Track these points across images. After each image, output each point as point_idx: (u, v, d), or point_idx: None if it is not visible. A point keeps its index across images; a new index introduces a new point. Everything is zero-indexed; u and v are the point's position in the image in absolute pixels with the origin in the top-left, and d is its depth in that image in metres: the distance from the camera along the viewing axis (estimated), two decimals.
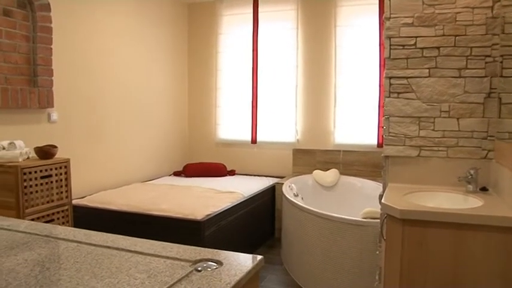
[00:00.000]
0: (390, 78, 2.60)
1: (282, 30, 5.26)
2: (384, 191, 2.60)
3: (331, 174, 4.82)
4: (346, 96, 5.00)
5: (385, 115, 2.65)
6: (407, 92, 2.57)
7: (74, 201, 3.60)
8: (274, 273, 3.81)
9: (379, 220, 2.59)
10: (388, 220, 2.15)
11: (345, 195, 4.64)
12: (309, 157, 5.18)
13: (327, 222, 3.22)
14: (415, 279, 2.06)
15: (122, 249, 1.37)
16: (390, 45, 2.59)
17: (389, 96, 2.61)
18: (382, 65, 4.69)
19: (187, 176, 5.21)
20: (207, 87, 5.73)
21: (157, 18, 5.19)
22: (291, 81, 5.24)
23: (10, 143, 3.04)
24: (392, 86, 2.60)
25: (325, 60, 5.08)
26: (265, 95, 5.39)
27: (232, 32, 5.51)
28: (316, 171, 4.91)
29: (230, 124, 5.61)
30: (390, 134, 2.62)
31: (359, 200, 4.35)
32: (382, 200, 2.21)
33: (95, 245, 1.42)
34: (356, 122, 4.96)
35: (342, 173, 4.91)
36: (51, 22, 3.61)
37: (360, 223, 3.06)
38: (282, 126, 5.34)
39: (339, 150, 5.02)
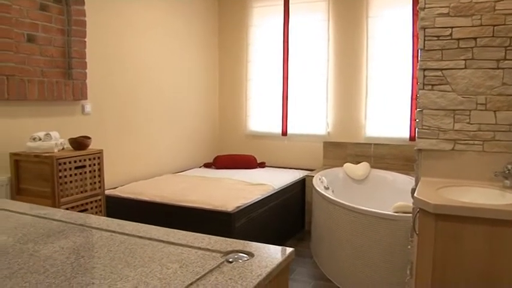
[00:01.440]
0: (424, 70, 2.54)
1: (313, 21, 5.21)
2: (416, 185, 2.55)
3: (362, 168, 4.77)
4: (377, 89, 4.92)
5: (418, 108, 2.59)
6: (441, 84, 2.51)
7: (107, 192, 3.67)
8: (303, 266, 3.80)
9: (411, 214, 2.55)
10: (420, 214, 2.12)
11: (376, 189, 4.59)
12: (339, 150, 5.13)
13: (358, 216, 3.19)
14: (448, 275, 2.02)
15: (155, 240, 1.39)
16: (425, 36, 2.53)
17: (423, 89, 2.56)
18: (416, 57, 4.59)
19: (217, 167, 5.25)
20: (238, 79, 5.74)
21: (189, 11, 5.21)
22: (321, 73, 5.20)
23: (46, 134, 3.11)
24: (427, 78, 2.54)
25: (356, 51, 5.01)
26: (295, 87, 5.36)
27: (263, 24, 5.49)
28: (346, 164, 4.86)
29: (260, 116, 5.61)
30: (423, 127, 2.57)
31: (390, 193, 4.29)
32: (415, 194, 2.17)
33: (128, 234, 1.44)
34: (388, 115, 4.89)
35: (373, 167, 4.85)
36: (85, 16, 3.67)
37: (391, 217, 3.02)
38: (313, 118, 5.30)
39: (370, 144, 4.97)
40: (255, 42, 5.57)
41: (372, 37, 4.90)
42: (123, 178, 4.27)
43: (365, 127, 5.02)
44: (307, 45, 5.26)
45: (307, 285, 3.43)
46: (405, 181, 4.25)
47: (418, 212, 2.14)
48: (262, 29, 5.50)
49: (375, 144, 4.94)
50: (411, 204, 2.49)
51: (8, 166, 3.16)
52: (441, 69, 2.51)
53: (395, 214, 3.04)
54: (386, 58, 4.86)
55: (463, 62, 2.47)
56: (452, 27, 2.48)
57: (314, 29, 5.20)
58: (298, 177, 4.73)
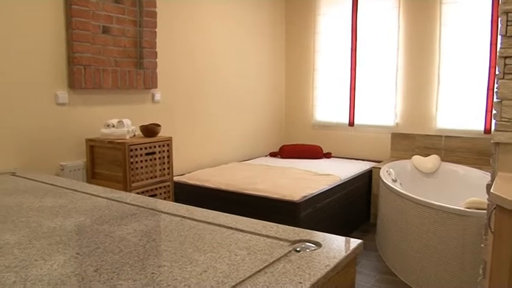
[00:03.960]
0: (505, 57, 2.39)
1: (382, 9, 5.06)
2: (492, 181, 2.42)
3: (432, 161, 4.59)
4: (450, 78, 4.71)
5: (497, 98, 2.45)
6: None
7: (175, 178, 3.77)
8: (368, 258, 3.74)
9: (485, 211, 2.43)
10: (497, 211, 2.00)
11: (446, 183, 4.41)
12: (408, 142, 4.98)
13: (428, 210, 3.08)
14: None
15: (223, 226, 1.40)
16: (507, 21, 2.37)
17: (503, 78, 2.41)
18: (494, 44, 4.35)
19: (283, 157, 5.25)
20: (305, 68, 5.69)
21: (256, 1, 5.21)
22: (391, 62, 5.04)
23: (119, 121, 3.23)
24: (508, 67, 2.39)
25: (428, 40, 4.81)
26: (363, 76, 5.24)
27: (331, 12, 5.40)
28: (415, 157, 4.71)
29: (327, 106, 5.54)
30: (502, 119, 2.42)
31: (461, 188, 4.11)
32: (491, 190, 2.06)
33: (197, 220, 1.47)
34: (461, 106, 4.66)
35: (443, 160, 4.67)
36: (155, 6, 3.77)
37: (463, 213, 2.89)
38: (381, 109, 5.17)
39: (441, 136, 4.77)
40: (322, 31, 5.49)
41: (445, 24, 4.68)
42: (190, 165, 4.37)
43: (436, 118, 4.83)
44: (376, 33, 5.12)
45: (372, 279, 3.37)
46: (478, 176, 4.06)
47: (494, 208, 2.03)
48: (330, 18, 5.41)
49: (446, 136, 4.74)
50: (485, 200, 2.36)
51: (84, 151, 3.33)
52: None
53: (468, 210, 2.90)
54: (460, 46, 4.62)
55: None
56: None
57: (383, 16, 5.05)
58: (364, 169, 4.64)
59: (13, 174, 2.35)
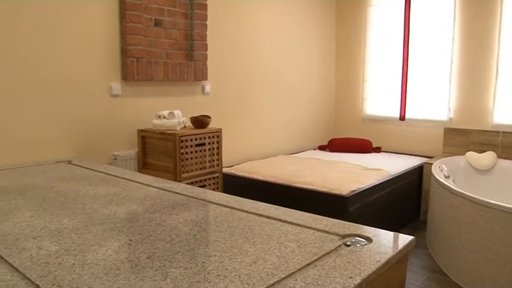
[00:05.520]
0: None
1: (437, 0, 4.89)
2: None
3: (487, 157, 4.42)
4: (510, 71, 4.50)
5: None
6: None
7: (223, 170, 3.80)
8: (417, 256, 3.65)
9: None
10: None
11: (503, 181, 4.23)
12: (462, 137, 4.81)
13: (483, 209, 2.96)
14: None
15: (273, 218, 1.40)
16: None
17: None
18: None
19: (331, 150, 5.20)
20: (355, 61, 5.60)
21: None
22: (445, 54, 4.87)
23: (170, 113, 3.29)
24: None
25: (487, 30, 4.61)
26: (416, 69, 5.10)
27: (383, 3, 5.27)
28: (469, 153, 4.54)
29: (378, 100, 5.43)
30: None
31: None
32: None
33: (247, 211, 1.47)
34: None
35: (499, 157, 4.48)
36: None
37: None
38: (434, 103, 5.01)
39: (498, 131, 4.58)
40: (373, 23, 5.38)
41: (506, 14, 4.47)
42: (239, 157, 4.40)
43: (493, 113, 4.64)
44: (431, 24, 4.95)
45: (421, 277, 3.29)
46: None
47: None
48: (382, 9, 5.28)
49: (503, 132, 4.54)
50: None
51: (136, 142, 3.41)
52: None
53: None
54: None
55: None
56: None
57: (438, 6, 4.88)
58: (415, 164, 4.52)
59: (69, 162, 2.44)
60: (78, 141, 3.11)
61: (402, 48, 5.15)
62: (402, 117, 5.23)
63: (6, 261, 1.07)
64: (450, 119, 4.92)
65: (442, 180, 3.63)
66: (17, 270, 1.02)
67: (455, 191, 3.30)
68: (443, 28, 4.86)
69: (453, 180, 3.95)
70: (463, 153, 4.64)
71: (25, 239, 1.22)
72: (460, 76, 4.82)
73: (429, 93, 5.03)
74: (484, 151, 4.57)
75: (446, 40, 4.85)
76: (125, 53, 3.29)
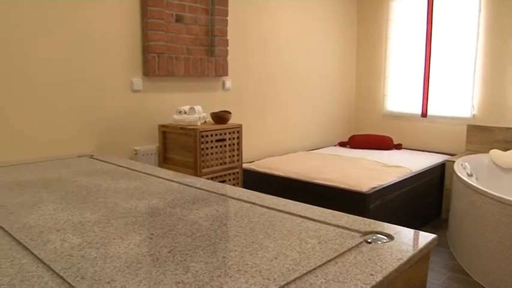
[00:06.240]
0: None
1: None
2: None
3: None
4: None
5: None
6: None
7: (243, 165, 3.81)
8: (438, 255, 3.60)
9: None
10: None
11: None
12: (485, 135, 4.72)
13: (508, 208, 2.90)
14: None
15: (293, 214, 1.40)
16: None
17: None
18: None
19: (352, 147, 5.17)
20: (376, 56, 5.55)
21: None
22: (469, 49, 4.78)
23: (190, 108, 3.31)
24: None
25: None
26: (439, 64, 5.02)
27: None
28: (493, 151, 4.46)
29: (399, 96, 5.37)
30: None
31: None
32: None
33: (267, 207, 1.47)
34: None
35: None
36: None
37: None
38: (456, 99, 4.93)
39: None
40: (395, 18, 5.31)
41: None
42: (259, 153, 4.40)
43: None
44: (455, 17, 4.86)
45: (442, 276, 3.25)
46: None
47: None
48: (404, 3, 5.21)
49: None
50: None
51: (157, 137, 3.44)
52: None
53: None
54: None
55: None
56: None
57: (463, 0, 4.79)
58: (437, 162, 4.46)
59: (91, 156, 2.47)
60: (100, 135, 3.15)
61: (425, 42, 5.07)
62: (424, 114, 5.16)
63: (32, 253, 1.09)
64: (473, 115, 4.84)
65: (465, 178, 3.57)
66: (42, 261, 1.03)
67: (479, 189, 3.24)
68: (467, 21, 4.76)
69: (476, 179, 3.88)
70: (487, 151, 4.56)
71: (49, 231, 1.24)
72: (485, 72, 4.73)
73: (452, 90, 4.95)
74: (509, 149, 4.48)
75: (471, 34, 4.76)
76: (146, 48, 3.31)
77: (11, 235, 1.21)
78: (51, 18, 2.82)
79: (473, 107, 4.83)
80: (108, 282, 0.92)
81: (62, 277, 0.95)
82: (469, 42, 4.78)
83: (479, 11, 4.68)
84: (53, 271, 0.98)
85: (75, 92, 2.99)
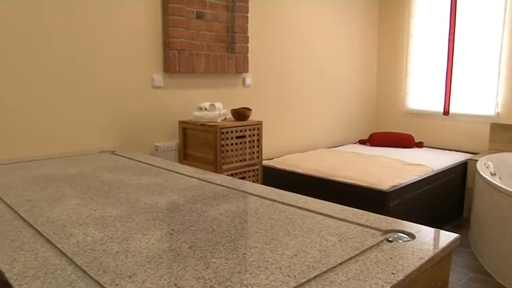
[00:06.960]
0: None
1: None
2: None
3: None
4: None
5: None
6: None
7: (263, 162, 3.81)
8: (460, 255, 3.55)
9: None
10: None
11: None
12: (509, 133, 4.63)
13: None
14: None
15: (313, 211, 1.39)
16: None
17: None
18: None
19: (372, 145, 5.12)
20: (398, 53, 5.48)
21: None
22: (494, 46, 4.69)
23: (211, 105, 3.32)
24: None
25: None
26: (462, 61, 4.94)
27: None
28: None
29: (421, 93, 5.30)
30: None
31: None
32: None
33: (287, 204, 1.47)
34: None
35: None
36: None
37: None
38: (480, 97, 4.84)
39: None
40: (418, 14, 5.24)
41: None
42: (279, 150, 4.39)
43: None
44: (479, 13, 4.76)
45: (464, 276, 3.20)
46: None
47: None
48: None
49: None
50: None
51: (177, 133, 3.46)
52: None
53: None
54: None
55: None
56: None
57: None
58: (459, 160, 4.39)
59: (113, 152, 2.49)
60: (122, 131, 3.18)
61: (447, 39, 5.00)
62: (446, 112, 5.08)
63: (55, 246, 1.10)
64: (497, 114, 4.75)
65: (488, 177, 3.51)
66: (65, 255, 1.05)
67: (502, 188, 3.19)
68: (492, 17, 4.67)
69: (500, 178, 3.82)
70: (511, 150, 4.48)
71: (72, 225, 1.26)
72: (509, 69, 4.63)
73: (475, 87, 4.86)
74: None
75: (496, 31, 4.67)
76: (167, 45, 3.33)
77: (35, 228, 1.23)
78: (78, 22, 2.86)
79: (497, 104, 4.75)
80: (130, 277, 0.93)
81: (84, 270, 0.97)
82: (493, 39, 4.69)
83: (505, 6, 4.58)
84: (76, 264, 1.00)
85: (97, 89, 3.02)
